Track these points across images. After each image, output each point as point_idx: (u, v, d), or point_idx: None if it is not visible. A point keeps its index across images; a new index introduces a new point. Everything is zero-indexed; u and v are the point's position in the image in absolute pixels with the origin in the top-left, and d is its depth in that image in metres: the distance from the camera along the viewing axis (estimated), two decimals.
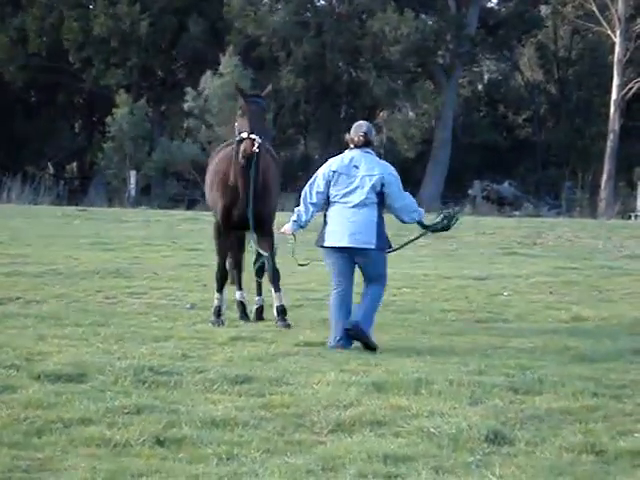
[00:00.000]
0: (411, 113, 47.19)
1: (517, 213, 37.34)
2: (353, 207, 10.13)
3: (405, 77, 44.81)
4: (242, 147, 10.55)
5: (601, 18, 44.27)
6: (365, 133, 10.28)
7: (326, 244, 10.23)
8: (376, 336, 10.40)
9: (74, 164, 51.48)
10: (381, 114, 48.52)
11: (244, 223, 11.00)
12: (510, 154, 46.61)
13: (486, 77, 52.09)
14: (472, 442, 6.51)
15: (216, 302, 11.30)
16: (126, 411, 6.94)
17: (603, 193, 41.68)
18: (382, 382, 7.99)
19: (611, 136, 42.83)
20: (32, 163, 48.03)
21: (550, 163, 47.39)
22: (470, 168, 44.52)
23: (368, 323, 9.97)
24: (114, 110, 41.89)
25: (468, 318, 12.32)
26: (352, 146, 10.34)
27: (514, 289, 15.04)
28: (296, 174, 41.64)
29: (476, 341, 10.41)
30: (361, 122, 10.61)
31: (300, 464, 6.00)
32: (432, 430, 6.67)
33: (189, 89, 40.88)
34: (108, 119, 42.17)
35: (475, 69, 49.81)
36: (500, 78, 50.93)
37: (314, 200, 10.31)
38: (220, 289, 11.34)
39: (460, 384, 7.96)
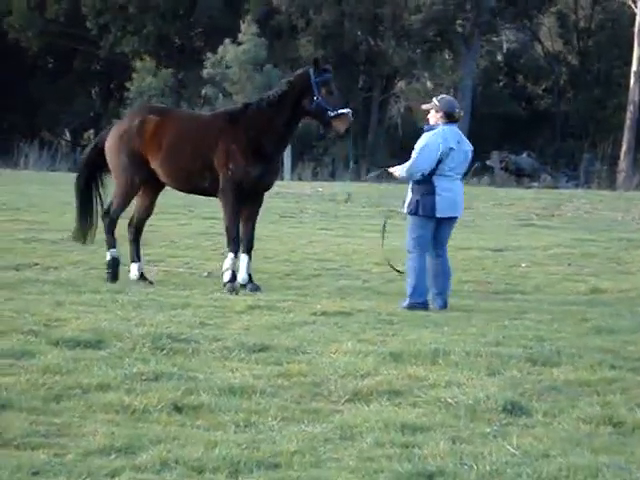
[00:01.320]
0: (429, 83, 46.91)
1: (535, 184, 37.18)
2: (458, 180, 10.88)
3: (424, 46, 44.57)
4: (344, 123, 11.22)
5: None
6: (459, 110, 10.96)
7: (439, 214, 10.67)
8: (394, 306, 10.44)
9: (91, 131, 51.47)
10: (399, 84, 48.28)
11: (267, 187, 11.69)
12: (529, 125, 46.36)
13: (505, 47, 51.75)
14: (489, 413, 6.51)
15: (232, 268, 11.35)
16: (144, 378, 6.96)
17: (622, 165, 41.42)
18: (399, 352, 7.99)
19: (631, 107, 42.50)
20: (49, 129, 48.06)
21: (569, 134, 47.10)
22: (488, 139, 44.27)
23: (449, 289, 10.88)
24: (135, 76, 41.76)
25: (486, 289, 12.30)
26: (444, 121, 10.71)
27: (532, 261, 15.00)
28: (311, 144, 41.52)
29: (494, 312, 10.39)
30: (449, 97, 11.23)
31: (317, 432, 6.02)
32: (449, 400, 6.67)
33: (209, 54, 40.74)
34: (132, 85, 41.97)
35: (494, 39, 49.47)
36: (520, 48, 50.61)
37: (427, 171, 10.58)
38: (237, 253, 11.39)
39: (478, 355, 7.96)
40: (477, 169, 36.35)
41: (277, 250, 15.08)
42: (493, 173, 39.24)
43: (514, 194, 28.59)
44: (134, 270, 11.79)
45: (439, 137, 10.60)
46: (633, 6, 43.19)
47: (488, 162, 39.91)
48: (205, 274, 12.47)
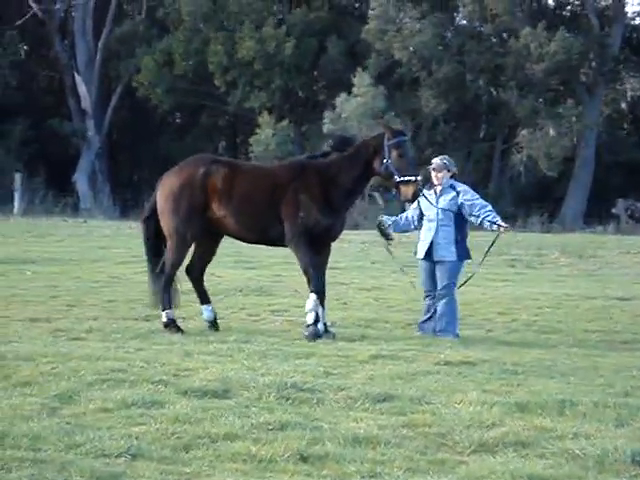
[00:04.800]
0: (552, 131, 46.58)
1: None
2: None
3: (547, 95, 44.32)
4: (411, 190, 11.22)
5: None
6: None
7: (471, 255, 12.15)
8: (518, 356, 10.37)
9: None
10: (522, 133, 48.05)
11: (334, 238, 11.75)
12: None
13: (629, 95, 51.08)
14: (618, 464, 6.41)
15: (316, 309, 11.40)
16: (270, 427, 7.03)
17: None
18: (525, 403, 7.92)
19: None
20: None
21: None
22: (614, 187, 43.68)
23: None
24: (258, 131, 42.53)
25: (613, 339, 12.11)
26: (451, 177, 12.05)
27: None
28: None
29: (621, 362, 10.22)
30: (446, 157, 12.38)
31: None
32: (577, 452, 6.58)
33: (327, 112, 41.26)
34: (252, 139, 42.81)
35: (618, 87, 48.90)
36: None
37: None
38: (319, 293, 11.47)
39: (605, 406, 7.84)
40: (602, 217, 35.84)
41: (399, 299, 15.11)
42: (619, 221, 38.63)
43: None
44: (207, 312, 11.86)
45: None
46: None
47: (614, 210, 39.35)
48: (328, 324, 12.54)
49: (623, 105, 50.65)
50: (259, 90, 44.37)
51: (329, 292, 15.75)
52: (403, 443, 6.84)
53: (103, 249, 23.65)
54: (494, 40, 44.17)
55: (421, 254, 12.03)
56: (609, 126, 47.81)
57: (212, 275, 17.86)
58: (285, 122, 43.13)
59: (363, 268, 20.82)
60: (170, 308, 11.73)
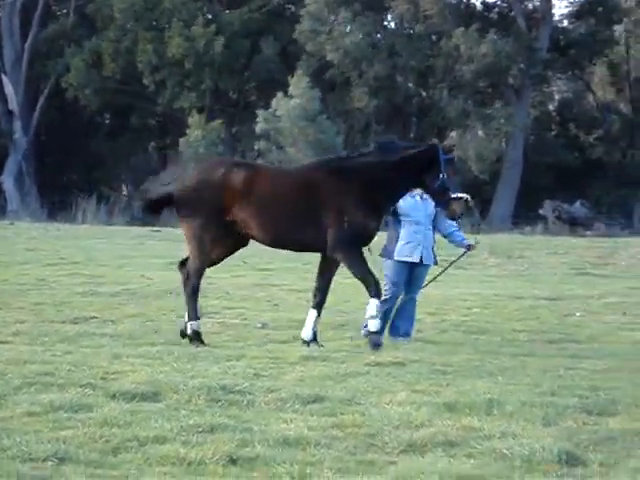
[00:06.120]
0: (481, 133, 47.00)
1: (589, 233, 37.01)
2: None
3: (476, 97, 44.72)
4: (460, 208, 11.07)
5: None
6: None
7: None
8: (447, 356, 10.44)
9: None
10: (451, 134, 48.41)
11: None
12: (582, 174, 46.17)
13: (557, 97, 51.73)
14: (545, 464, 6.48)
15: (379, 316, 11.02)
16: (200, 430, 7.00)
17: None
18: (453, 403, 7.98)
19: None
20: (106, 184, 48.68)
21: (622, 183, 46.80)
22: (541, 188, 44.18)
23: None
24: (188, 131, 42.33)
25: (540, 339, 12.25)
26: None
27: (587, 310, 14.92)
28: None
29: (548, 362, 10.35)
30: None
31: None
32: (505, 451, 6.65)
33: (261, 111, 41.18)
34: (182, 140, 42.59)
35: (546, 89, 49.49)
36: (571, 97, 50.56)
37: None
38: (380, 296, 11.07)
39: (532, 405, 7.93)
40: (530, 218, 36.23)
41: (330, 301, 15.11)
42: (546, 222, 39.10)
43: (568, 243, 28.46)
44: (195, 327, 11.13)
45: None
46: None
47: (541, 211, 39.82)
48: (259, 325, 12.55)
49: (551, 107, 51.27)
50: (189, 90, 44.16)
51: (261, 294, 15.81)
52: (333, 444, 6.86)
53: (30, 251, 23.38)
54: (423, 42, 44.45)
55: (402, 256, 11.79)
56: (537, 128, 48.35)
57: (143, 277, 17.81)
58: (216, 123, 42.98)
59: (295, 269, 20.84)
60: (197, 319, 11.14)
